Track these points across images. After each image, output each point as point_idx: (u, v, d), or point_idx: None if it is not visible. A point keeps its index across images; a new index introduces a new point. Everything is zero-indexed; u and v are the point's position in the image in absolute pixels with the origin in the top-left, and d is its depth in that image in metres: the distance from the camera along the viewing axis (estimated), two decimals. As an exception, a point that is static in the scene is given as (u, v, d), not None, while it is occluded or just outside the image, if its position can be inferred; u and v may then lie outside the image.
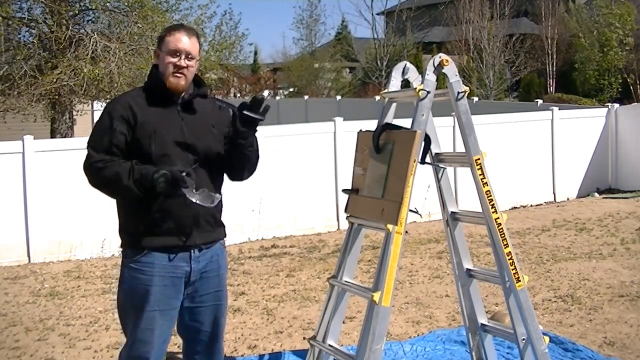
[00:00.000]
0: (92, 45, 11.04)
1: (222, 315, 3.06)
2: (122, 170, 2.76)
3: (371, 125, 3.60)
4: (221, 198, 2.95)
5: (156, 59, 2.97)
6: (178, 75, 2.88)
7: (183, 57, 2.88)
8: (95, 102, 14.01)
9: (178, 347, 3.23)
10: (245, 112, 2.82)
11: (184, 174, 2.73)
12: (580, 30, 27.14)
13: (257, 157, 3.03)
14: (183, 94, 2.94)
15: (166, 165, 2.79)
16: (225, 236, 3.08)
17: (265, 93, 34.67)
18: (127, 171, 2.75)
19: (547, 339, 3.39)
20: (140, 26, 11.63)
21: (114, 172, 2.76)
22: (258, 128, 2.92)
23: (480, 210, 3.33)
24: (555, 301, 5.76)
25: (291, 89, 36.35)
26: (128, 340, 2.93)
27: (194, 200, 2.74)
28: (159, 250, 2.84)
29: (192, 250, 2.89)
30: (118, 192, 2.86)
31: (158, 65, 2.96)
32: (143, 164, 2.78)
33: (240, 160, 2.98)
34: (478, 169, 3.28)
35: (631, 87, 25.64)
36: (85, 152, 2.91)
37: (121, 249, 2.96)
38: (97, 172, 2.81)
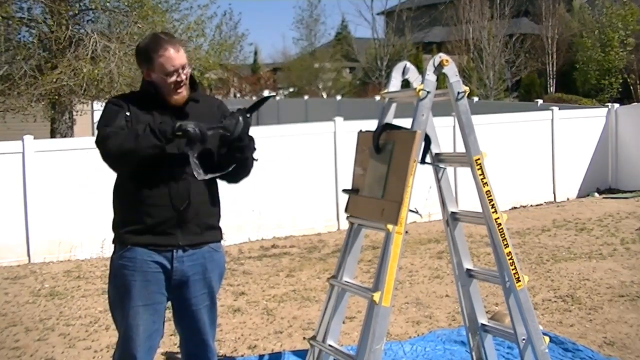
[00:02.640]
0: (92, 45, 11.04)
1: (207, 318, 3.06)
2: (138, 130, 2.78)
3: (371, 125, 3.60)
4: (219, 202, 3.01)
5: (147, 77, 2.94)
6: (180, 89, 2.92)
7: (180, 71, 2.90)
8: (95, 102, 14.01)
9: (178, 346, 3.23)
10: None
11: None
12: (583, 29, 27.12)
13: (251, 165, 3.03)
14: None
15: (153, 165, 2.83)
16: (219, 239, 3.07)
17: (265, 93, 34.74)
18: (142, 129, 2.77)
19: (547, 339, 3.39)
20: (140, 26, 11.63)
21: (132, 133, 2.78)
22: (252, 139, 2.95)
23: (480, 210, 3.33)
24: (555, 301, 5.76)
25: (291, 89, 36.39)
26: (119, 338, 2.99)
27: (195, 163, 2.80)
28: (141, 246, 2.89)
29: (174, 250, 2.91)
30: (134, 151, 2.76)
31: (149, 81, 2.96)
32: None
33: (228, 163, 2.98)
34: (478, 169, 3.28)
35: (631, 87, 25.64)
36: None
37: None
38: (114, 139, 2.77)
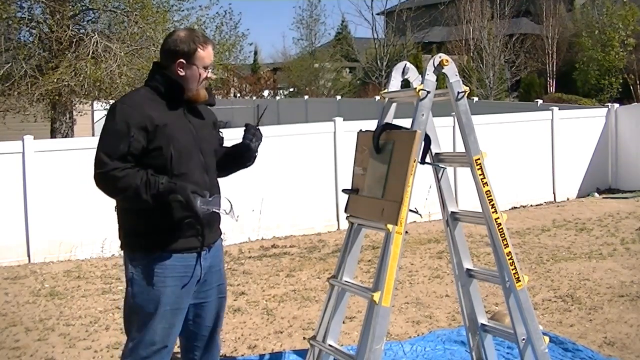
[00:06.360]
0: (93, 45, 11.04)
1: (223, 308, 3.14)
2: (140, 183, 2.73)
3: (371, 125, 3.60)
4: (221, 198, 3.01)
5: (180, 70, 2.90)
6: (203, 86, 2.98)
7: (209, 69, 2.98)
8: (95, 102, 14.02)
9: (177, 346, 3.22)
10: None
11: (197, 200, 2.74)
12: (584, 29, 27.14)
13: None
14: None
15: (183, 167, 2.84)
16: (222, 232, 3.15)
17: (265, 93, 34.71)
18: (144, 185, 2.74)
19: (547, 339, 3.39)
20: (140, 26, 11.64)
21: (132, 184, 2.74)
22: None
23: (480, 210, 3.33)
24: (555, 301, 5.76)
25: (291, 89, 36.36)
26: (137, 343, 2.91)
27: (213, 210, 2.82)
28: (174, 252, 2.86)
29: (202, 251, 2.94)
30: (133, 203, 2.82)
31: (160, 64, 2.96)
32: (158, 171, 2.79)
33: (231, 170, 3.22)
34: (478, 169, 3.28)
35: (631, 87, 25.65)
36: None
37: (125, 252, 2.95)
38: (113, 182, 2.76)
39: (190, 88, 2.92)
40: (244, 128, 3.19)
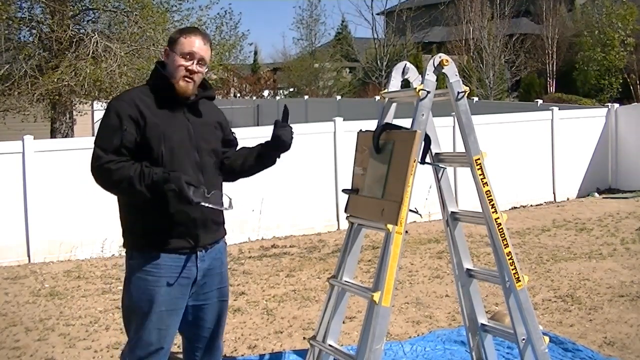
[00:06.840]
0: (93, 45, 11.05)
1: (224, 312, 3.12)
2: (133, 174, 2.73)
3: (371, 125, 3.61)
4: (222, 196, 3.00)
5: (165, 57, 2.96)
6: (188, 80, 2.89)
7: (196, 61, 2.90)
8: (95, 102, 14.03)
9: (178, 347, 3.23)
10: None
11: (191, 189, 2.71)
12: (584, 29, 27.14)
13: None
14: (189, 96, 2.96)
15: (175, 165, 2.81)
16: (226, 233, 3.12)
17: (265, 93, 34.70)
18: (138, 176, 2.73)
19: (547, 339, 3.39)
20: (140, 26, 11.64)
21: (126, 176, 2.73)
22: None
23: (480, 210, 3.33)
24: (555, 301, 5.76)
25: (291, 89, 36.36)
26: (135, 343, 2.92)
27: (207, 206, 2.77)
28: (168, 252, 2.85)
29: (198, 251, 2.92)
30: (129, 195, 2.82)
31: (163, 63, 2.96)
32: (153, 166, 2.78)
33: (256, 169, 3.16)
34: (478, 169, 3.28)
35: (631, 87, 25.65)
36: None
37: (125, 250, 2.97)
38: (108, 174, 2.76)
39: (171, 74, 2.89)
40: (273, 125, 3.10)
